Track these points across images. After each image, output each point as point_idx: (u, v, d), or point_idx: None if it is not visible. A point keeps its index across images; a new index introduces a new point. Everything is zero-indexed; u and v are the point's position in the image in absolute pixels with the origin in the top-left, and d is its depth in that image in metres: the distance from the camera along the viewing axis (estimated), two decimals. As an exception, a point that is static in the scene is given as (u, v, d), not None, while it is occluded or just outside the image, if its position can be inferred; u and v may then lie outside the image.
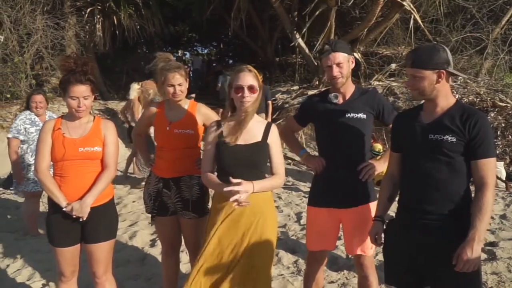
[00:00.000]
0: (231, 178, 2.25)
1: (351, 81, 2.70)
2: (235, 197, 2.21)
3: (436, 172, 2.09)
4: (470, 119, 2.04)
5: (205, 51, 26.28)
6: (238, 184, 2.23)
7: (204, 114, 3.01)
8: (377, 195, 2.52)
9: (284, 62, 16.14)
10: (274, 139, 2.49)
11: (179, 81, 2.86)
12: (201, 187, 2.93)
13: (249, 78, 2.40)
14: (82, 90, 2.58)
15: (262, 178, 2.43)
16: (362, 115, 2.61)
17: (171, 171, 2.92)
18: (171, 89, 2.87)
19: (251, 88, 2.39)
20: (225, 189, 2.26)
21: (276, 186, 2.49)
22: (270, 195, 2.54)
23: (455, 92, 8.77)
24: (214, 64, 21.12)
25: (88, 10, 11.69)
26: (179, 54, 20.62)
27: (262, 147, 2.45)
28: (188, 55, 23.10)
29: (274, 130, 2.51)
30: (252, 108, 2.44)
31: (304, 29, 11.19)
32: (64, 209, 2.55)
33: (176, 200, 2.92)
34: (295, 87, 12.10)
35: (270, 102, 8.65)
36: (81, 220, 2.58)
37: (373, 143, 7.38)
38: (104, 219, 2.68)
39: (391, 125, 2.52)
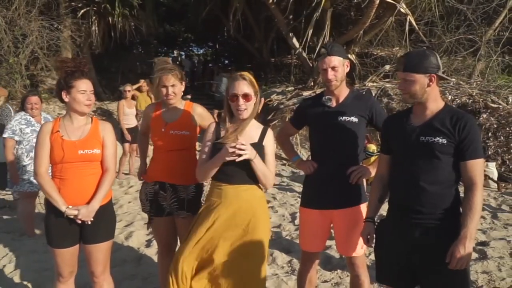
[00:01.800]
0: (238, 141, 2.37)
1: (345, 84, 2.76)
2: (239, 149, 2.33)
3: (426, 173, 2.15)
4: (459, 122, 2.10)
5: (201, 51, 26.32)
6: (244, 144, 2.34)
7: (199, 114, 3.03)
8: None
9: (279, 62, 16.19)
10: (269, 141, 2.56)
11: (172, 82, 2.89)
12: (196, 186, 2.98)
13: (244, 86, 2.44)
14: (88, 84, 2.64)
15: (257, 180, 2.49)
16: (354, 119, 2.66)
17: (167, 175, 2.94)
18: (164, 90, 2.90)
19: (245, 96, 2.43)
20: (230, 147, 2.34)
21: (268, 177, 2.49)
22: (263, 195, 2.60)
23: (447, 93, 8.85)
24: (210, 65, 21.15)
25: (83, 11, 11.69)
26: (175, 55, 20.62)
27: (258, 148, 2.49)
28: (184, 55, 23.12)
29: (269, 133, 2.58)
30: (250, 114, 2.50)
31: (291, 26, 11.20)
32: (65, 213, 2.56)
33: (172, 201, 2.94)
34: (290, 88, 12.15)
35: (262, 99, 8.86)
36: (86, 223, 2.61)
37: (367, 144, 7.44)
38: (102, 220, 2.69)
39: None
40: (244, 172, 2.46)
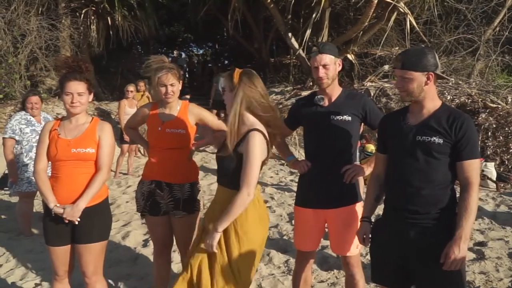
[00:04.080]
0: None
1: (337, 83, 2.76)
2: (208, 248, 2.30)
3: (423, 173, 2.14)
4: (456, 121, 2.10)
5: (201, 51, 26.34)
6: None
7: (197, 114, 3.06)
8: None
9: (278, 62, 16.20)
10: (247, 148, 2.26)
11: (171, 81, 2.91)
12: (191, 185, 3.01)
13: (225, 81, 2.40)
14: (76, 86, 2.63)
15: (231, 183, 2.34)
16: (347, 117, 2.65)
17: (164, 174, 2.95)
18: (163, 89, 2.91)
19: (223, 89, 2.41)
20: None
21: (240, 208, 2.26)
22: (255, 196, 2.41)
23: (446, 93, 8.84)
24: (209, 65, 21.18)
25: (83, 11, 11.70)
26: (175, 55, 20.63)
27: (230, 159, 2.32)
28: (183, 55, 23.12)
29: (250, 138, 2.26)
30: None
31: (290, 26, 11.21)
32: (52, 211, 2.58)
33: (169, 200, 2.95)
34: (289, 88, 12.15)
35: None
36: (72, 223, 2.60)
37: (366, 144, 7.43)
38: (96, 220, 2.68)
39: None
40: (223, 180, 2.44)
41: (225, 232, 2.32)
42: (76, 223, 2.60)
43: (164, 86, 2.90)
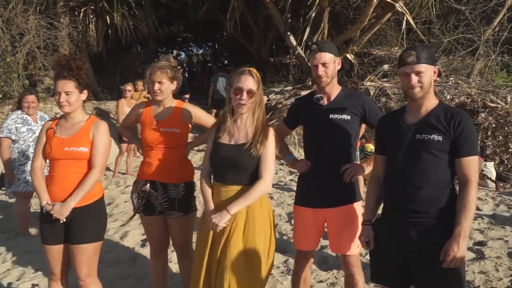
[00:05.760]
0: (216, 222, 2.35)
1: (337, 82, 2.74)
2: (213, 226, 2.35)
3: (422, 172, 2.14)
4: (454, 118, 2.10)
5: (200, 51, 26.34)
6: (214, 215, 2.36)
7: (191, 113, 3.06)
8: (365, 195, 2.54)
9: (278, 62, 16.17)
10: (270, 141, 2.45)
11: (160, 79, 2.91)
12: (187, 185, 2.99)
13: (250, 82, 2.41)
14: (63, 85, 2.61)
15: (248, 180, 2.43)
16: (346, 116, 2.63)
17: (158, 173, 2.94)
18: (151, 86, 2.95)
19: (249, 92, 2.40)
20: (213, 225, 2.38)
21: (259, 194, 2.42)
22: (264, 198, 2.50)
23: (446, 93, 8.83)
24: (209, 64, 21.18)
25: (82, 10, 11.67)
26: (174, 54, 20.66)
27: (247, 148, 2.43)
28: (183, 55, 23.12)
29: (270, 133, 2.48)
30: (248, 110, 2.45)
31: (289, 25, 11.19)
32: (43, 208, 2.59)
33: (163, 201, 2.94)
34: (289, 88, 12.14)
35: (265, 97, 8.89)
36: (61, 221, 2.58)
37: (366, 144, 7.41)
38: (89, 220, 2.65)
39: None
40: (233, 172, 2.44)
41: (240, 224, 2.40)
42: (63, 221, 2.57)
43: (153, 82, 2.92)
